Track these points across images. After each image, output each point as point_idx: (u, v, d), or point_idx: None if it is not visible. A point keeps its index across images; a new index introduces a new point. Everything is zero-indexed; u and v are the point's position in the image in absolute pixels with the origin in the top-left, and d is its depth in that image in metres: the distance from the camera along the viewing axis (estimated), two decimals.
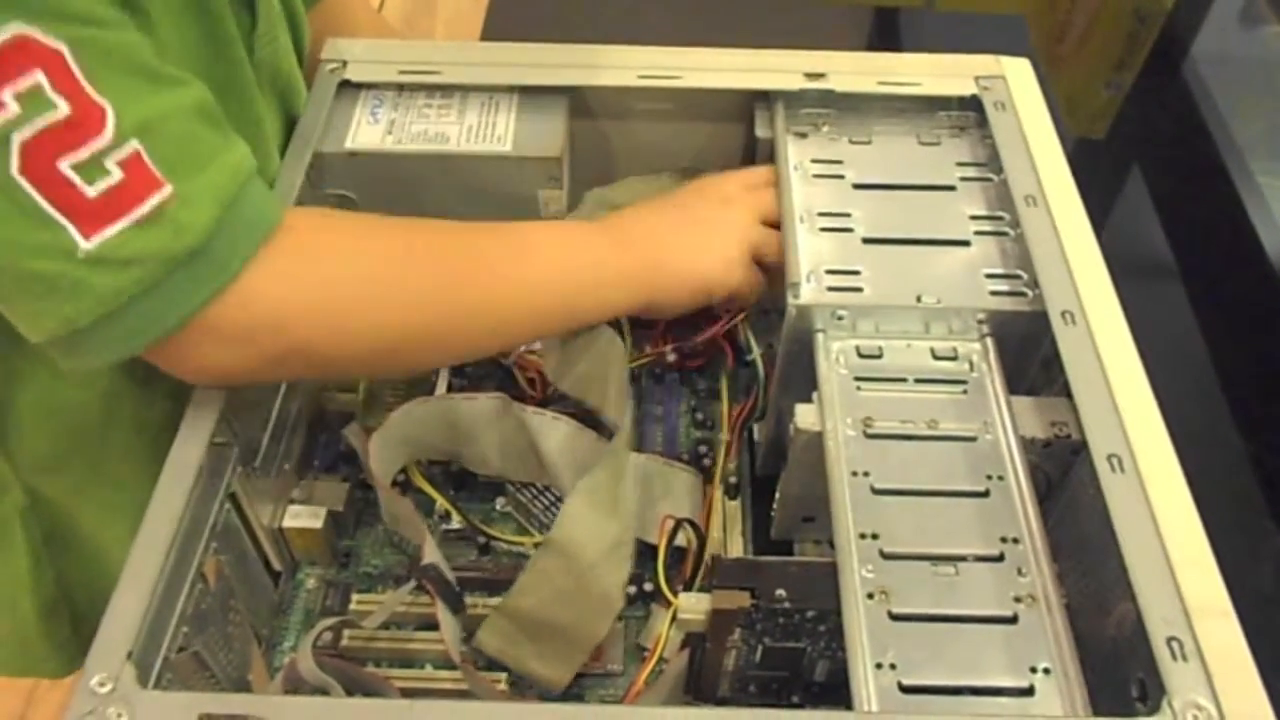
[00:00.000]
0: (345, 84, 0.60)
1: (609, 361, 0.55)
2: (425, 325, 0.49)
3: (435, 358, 0.55)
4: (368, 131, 0.58)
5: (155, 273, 0.41)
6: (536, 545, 0.55)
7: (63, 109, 0.39)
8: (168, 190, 0.41)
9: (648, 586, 0.54)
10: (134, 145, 0.40)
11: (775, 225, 0.56)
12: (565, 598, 0.49)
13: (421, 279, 0.49)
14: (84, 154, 0.39)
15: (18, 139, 0.38)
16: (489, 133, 0.58)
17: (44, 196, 0.39)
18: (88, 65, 0.39)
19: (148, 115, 0.41)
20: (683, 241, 0.55)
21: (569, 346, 0.56)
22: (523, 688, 0.51)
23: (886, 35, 1.21)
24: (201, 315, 0.43)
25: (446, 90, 0.60)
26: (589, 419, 0.56)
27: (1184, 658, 0.38)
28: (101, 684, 0.38)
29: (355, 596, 0.55)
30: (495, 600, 0.53)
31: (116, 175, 0.40)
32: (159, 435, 0.50)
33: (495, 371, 0.61)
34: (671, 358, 0.61)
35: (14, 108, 0.38)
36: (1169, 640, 0.38)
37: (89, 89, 0.39)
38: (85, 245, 0.40)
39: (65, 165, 0.39)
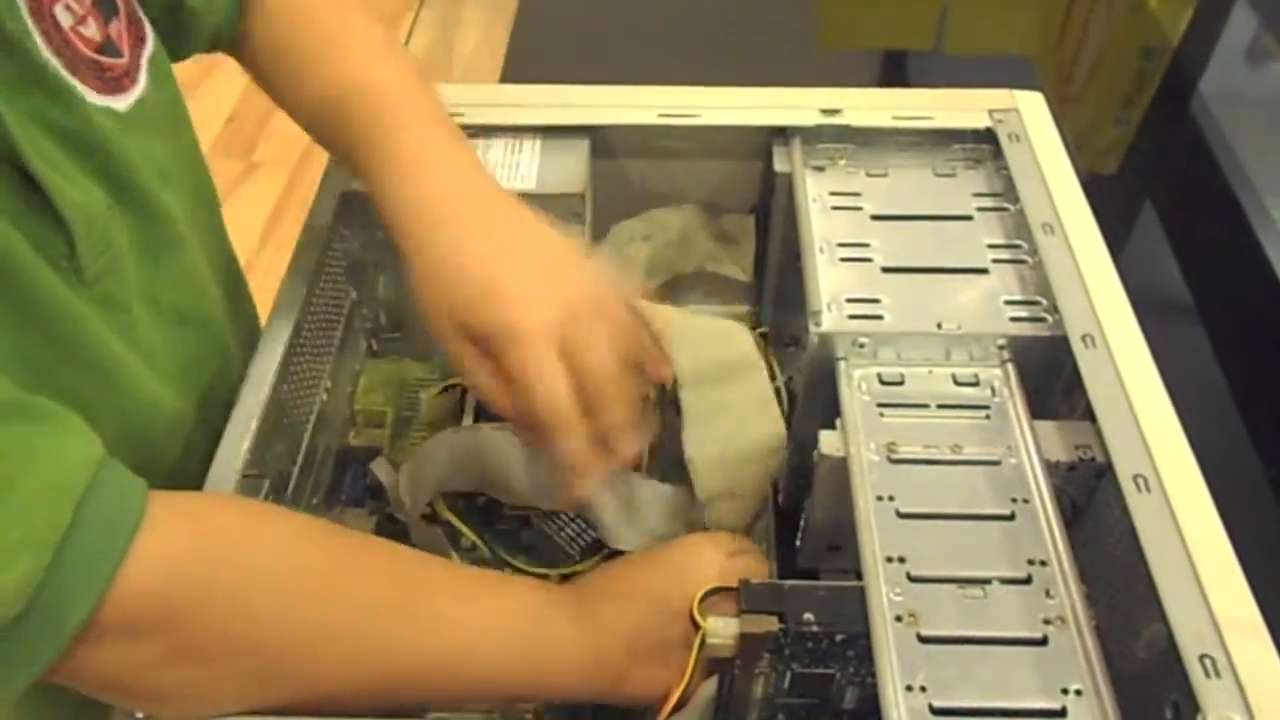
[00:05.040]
0: None
1: None
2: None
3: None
4: None
5: None
6: (562, 576, 0.55)
7: None
8: None
9: None
10: None
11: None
12: None
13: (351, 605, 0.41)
14: None
15: None
16: (513, 171, 0.60)
17: None
18: None
19: None
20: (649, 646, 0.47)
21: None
22: None
23: (896, 78, 1.23)
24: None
25: (472, 131, 0.61)
26: None
27: (1217, 674, 0.38)
28: None
29: None
30: None
31: None
32: None
33: None
34: None
35: None
36: (1201, 658, 0.38)
37: None
38: None
39: None
